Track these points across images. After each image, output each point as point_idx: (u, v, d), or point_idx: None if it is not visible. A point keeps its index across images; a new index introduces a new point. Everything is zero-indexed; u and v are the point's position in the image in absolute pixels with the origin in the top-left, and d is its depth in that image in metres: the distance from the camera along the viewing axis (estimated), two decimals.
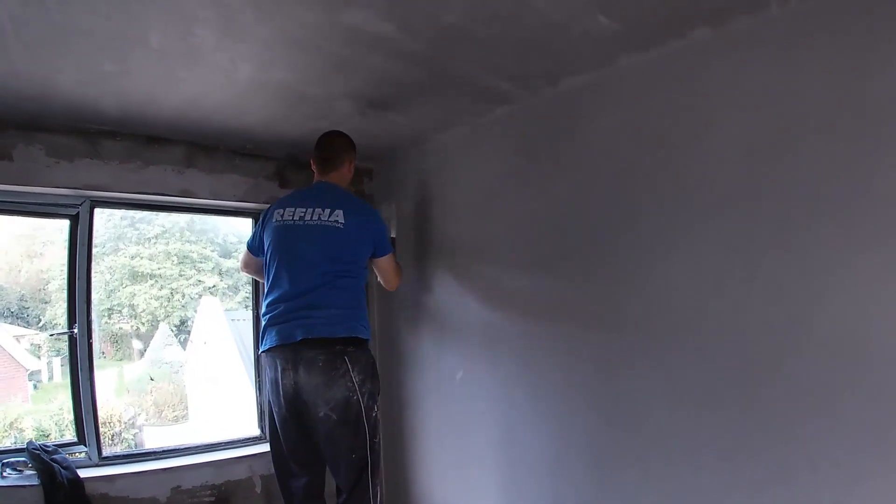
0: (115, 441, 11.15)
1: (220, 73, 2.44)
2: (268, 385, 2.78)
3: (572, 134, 2.61)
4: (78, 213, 3.20)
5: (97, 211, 3.28)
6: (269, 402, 2.84)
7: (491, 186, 3.05)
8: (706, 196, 2.10)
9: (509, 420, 2.93)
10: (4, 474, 2.87)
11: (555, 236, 2.69)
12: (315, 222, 2.78)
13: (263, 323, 2.80)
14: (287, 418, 2.73)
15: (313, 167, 3.01)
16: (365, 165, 3.96)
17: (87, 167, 3.09)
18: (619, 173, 2.41)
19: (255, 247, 3.04)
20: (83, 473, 2.98)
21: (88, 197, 3.20)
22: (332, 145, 2.98)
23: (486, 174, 3.08)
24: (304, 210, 2.81)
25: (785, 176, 1.88)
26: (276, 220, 2.84)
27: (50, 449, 3.02)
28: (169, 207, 3.66)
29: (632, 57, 2.29)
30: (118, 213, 14.85)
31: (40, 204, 3.14)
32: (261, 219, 3.02)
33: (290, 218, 2.81)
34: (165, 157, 3.32)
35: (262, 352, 2.79)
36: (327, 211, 2.79)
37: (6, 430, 10.47)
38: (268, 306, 2.80)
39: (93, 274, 3.26)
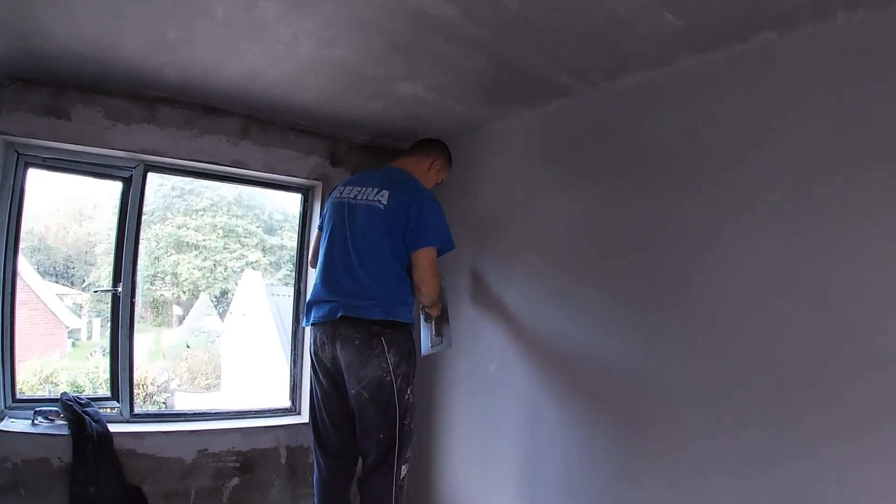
0: (147, 402, 11.42)
1: (281, 48, 2.45)
2: (310, 357, 2.83)
3: (626, 131, 2.57)
4: (131, 175, 3.27)
5: (149, 176, 3.34)
6: (310, 375, 2.89)
7: (540, 179, 3.01)
8: (757, 204, 2.05)
9: (538, 418, 2.90)
10: (36, 422, 2.95)
11: (597, 235, 2.66)
12: (363, 202, 2.73)
13: (309, 298, 2.84)
14: (328, 391, 2.78)
15: None
16: None
17: (143, 132, 3.15)
18: (670, 175, 2.37)
19: (319, 225, 3.03)
20: (113, 428, 3.04)
21: (143, 161, 3.26)
22: (424, 140, 3.07)
23: (537, 166, 3.04)
24: (359, 189, 2.78)
25: (840, 190, 1.83)
26: (335, 197, 2.88)
27: (83, 401, 3.09)
28: (221, 177, 3.69)
29: (693, 57, 2.24)
30: (168, 184, 15.17)
31: (95, 165, 3.21)
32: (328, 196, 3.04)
33: (348, 196, 2.80)
34: (221, 127, 3.37)
35: (307, 325, 2.83)
36: (374, 190, 2.73)
37: (41, 383, 10.77)
38: (315, 283, 2.84)
39: (140, 238, 3.33)
